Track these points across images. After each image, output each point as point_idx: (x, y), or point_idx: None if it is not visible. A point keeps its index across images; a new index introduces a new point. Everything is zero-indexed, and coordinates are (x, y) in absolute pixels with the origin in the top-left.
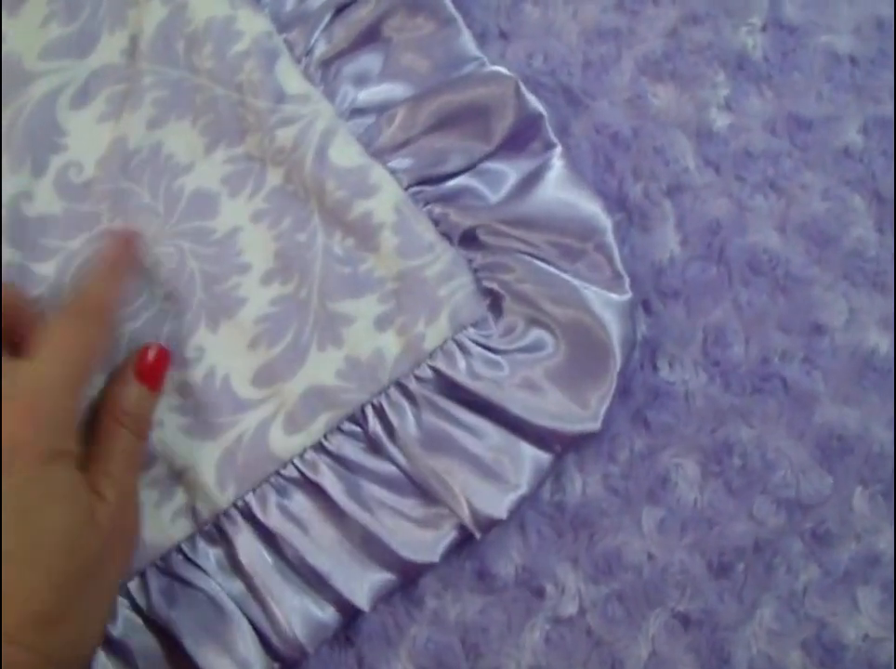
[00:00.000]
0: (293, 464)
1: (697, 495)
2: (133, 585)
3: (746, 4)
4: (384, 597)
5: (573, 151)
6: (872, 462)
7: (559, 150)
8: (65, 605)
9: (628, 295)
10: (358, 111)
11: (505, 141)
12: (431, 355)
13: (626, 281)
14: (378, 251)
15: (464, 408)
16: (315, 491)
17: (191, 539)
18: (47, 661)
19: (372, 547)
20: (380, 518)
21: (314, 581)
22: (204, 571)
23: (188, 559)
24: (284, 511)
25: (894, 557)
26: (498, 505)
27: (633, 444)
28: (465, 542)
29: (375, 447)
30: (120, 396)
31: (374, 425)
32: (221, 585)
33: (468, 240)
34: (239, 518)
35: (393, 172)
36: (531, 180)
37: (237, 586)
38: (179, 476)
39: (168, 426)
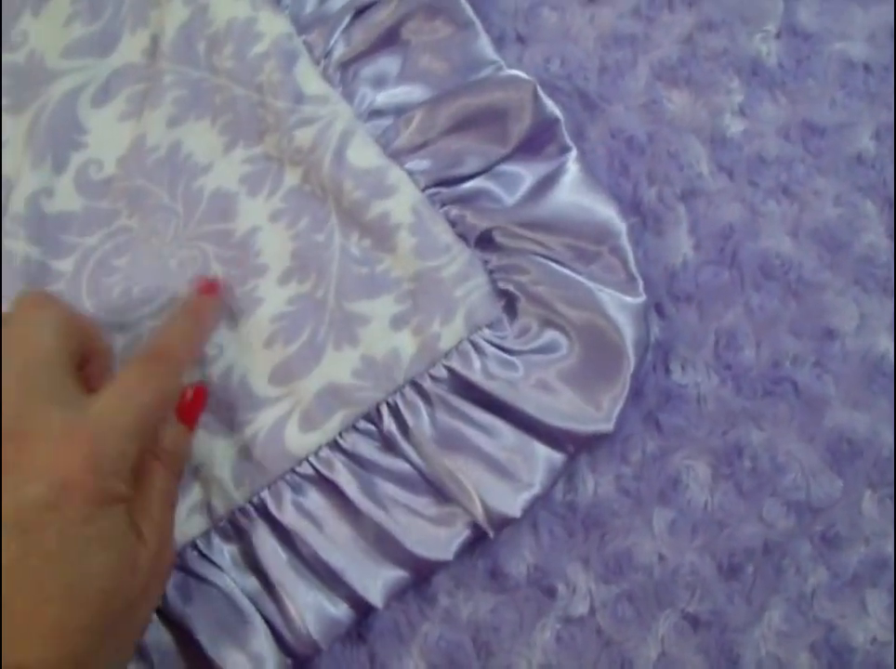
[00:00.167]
0: (308, 461)
1: (708, 497)
2: None
3: (761, 11)
4: (397, 595)
5: (588, 155)
6: (881, 466)
7: (574, 153)
8: (97, 646)
9: (642, 298)
10: (376, 113)
11: (521, 144)
12: (446, 355)
13: (640, 283)
14: (395, 251)
15: (478, 407)
16: (330, 488)
17: (206, 535)
18: None
19: (386, 545)
20: (394, 515)
21: (328, 577)
22: (219, 567)
23: (203, 555)
24: (299, 508)
25: None
26: (512, 503)
27: (645, 446)
28: (478, 541)
29: (389, 445)
30: (160, 436)
31: (388, 423)
32: (236, 581)
33: (484, 241)
34: (254, 515)
35: (410, 173)
36: (546, 183)
37: (251, 583)
38: (195, 472)
39: None
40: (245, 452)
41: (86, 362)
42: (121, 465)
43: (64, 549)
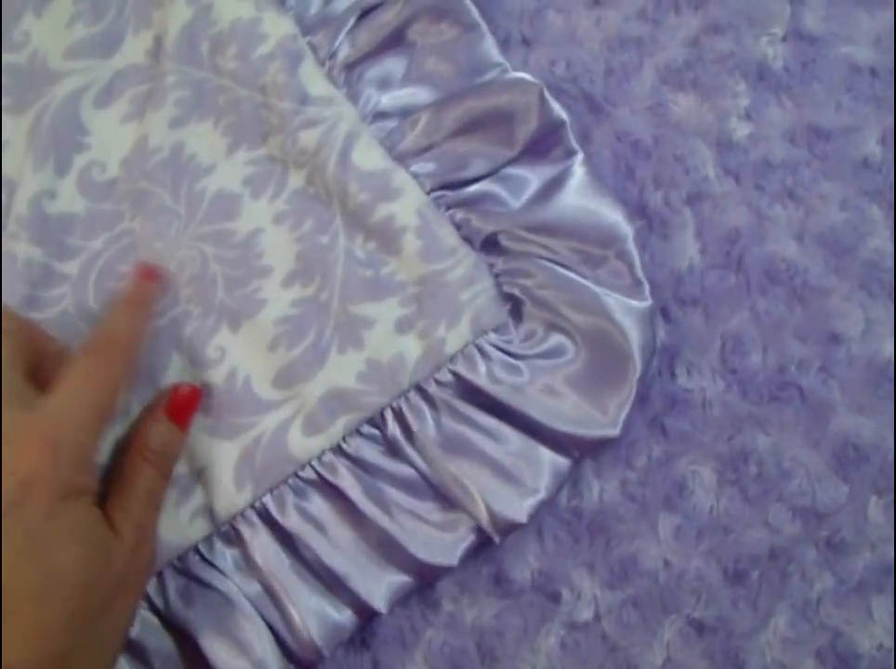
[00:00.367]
0: (311, 466)
1: (713, 502)
2: (150, 586)
3: (768, 14)
4: (401, 600)
5: (594, 159)
6: (887, 471)
7: (580, 157)
8: (79, 643)
9: (648, 302)
10: (381, 115)
11: (527, 147)
12: (452, 359)
13: (647, 288)
14: (400, 254)
15: (483, 412)
16: (333, 493)
17: (208, 539)
18: None
19: (390, 549)
20: (399, 520)
21: (331, 582)
22: (221, 572)
23: (205, 560)
24: (303, 513)
25: None
26: (518, 509)
27: (650, 451)
28: (482, 546)
29: (393, 450)
30: (148, 433)
31: (393, 428)
32: (238, 586)
33: (490, 245)
34: (256, 519)
35: (416, 176)
36: (552, 187)
37: (254, 588)
38: (198, 475)
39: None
40: (248, 456)
41: (40, 364)
42: (80, 456)
43: (33, 546)
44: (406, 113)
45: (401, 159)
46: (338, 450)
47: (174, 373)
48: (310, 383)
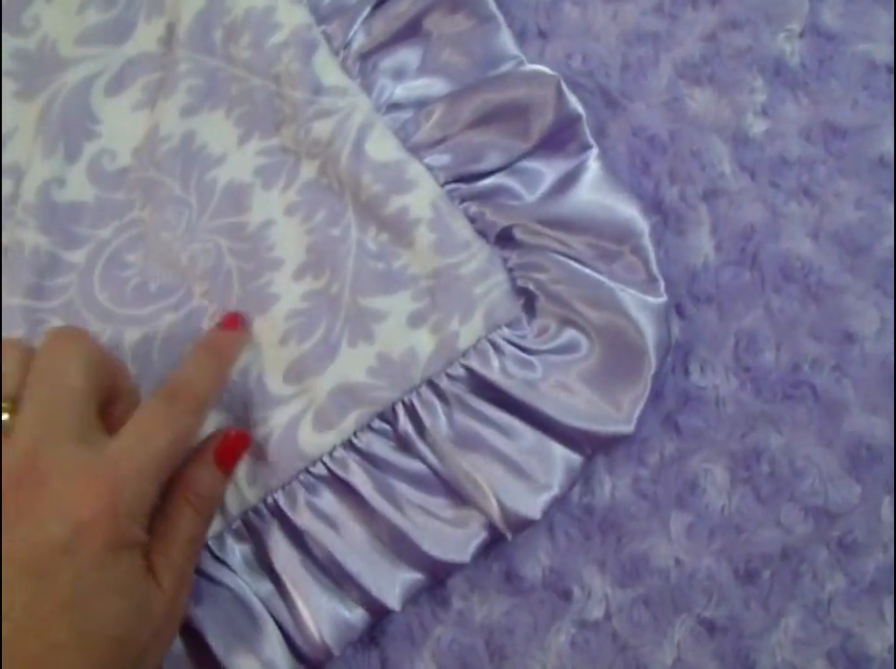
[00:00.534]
0: (322, 461)
1: (725, 501)
2: None
3: (786, 10)
4: (413, 598)
5: (609, 153)
6: None
7: (595, 151)
8: None
9: (664, 299)
10: (395, 106)
11: (543, 140)
12: (464, 354)
13: (662, 284)
14: (413, 247)
15: (495, 408)
16: (344, 489)
17: (218, 536)
18: None
19: (402, 546)
20: (410, 516)
21: (343, 580)
22: (231, 569)
23: (214, 556)
24: (314, 509)
25: None
26: (531, 505)
27: (663, 448)
28: (494, 542)
29: (404, 445)
30: (195, 478)
31: (404, 423)
32: (248, 584)
33: (504, 239)
34: (267, 516)
35: (430, 168)
36: (567, 181)
37: (264, 585)
38: None
39: None
40: (259, 452)
41: (111, 403)
42: (139, 508)
43: (78, 595)
44: (421, 105)
45: (416, 151)
46: (349, 445)
47: None
48: (321, 377)
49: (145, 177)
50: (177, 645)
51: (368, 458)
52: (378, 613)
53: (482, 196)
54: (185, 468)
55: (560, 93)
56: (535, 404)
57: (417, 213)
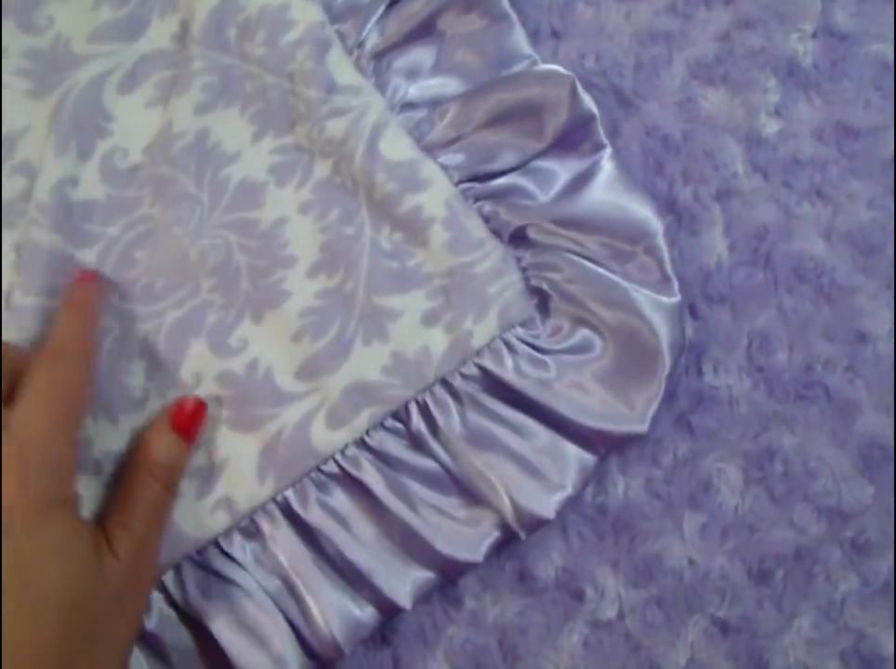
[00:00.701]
0: (334, 459)
1: (739, 501)
2: (168, 579)
3: (798, 10)
4: (425, 597)
5: (622, 153)
6: None
7: (609, 151)
8: (74, 662)
9: (677, 299)
10: (409, 105)
11: (556, 140)
12: (478, 353)
13: (676, 284)
14: (427, 246)
15: (509, 407)
16: (355, 487)
17: (227, 532)
18: None
19: (414, 545)
20: (423, 515)
21: (354, 578)
22: (241, 566)
23: (224, 553)
24: (325, 507)
25: None
26: (545, 504)
27: (676, 448)
28: (507, 542)
29: (417, 444)
30: (152, 446)
31: (417, 422)
32: (258, 581)
33: (518, 238)
34: (277, 513)
35: (443, 167)
36: (581, 181)
37: (273, 582)
38: (219, 468)
39: (209, 417)
40: (270, 449)
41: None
42: (52, 469)
43: (19, 564)
44: (435, 104)
45: (429, 150)
46: (362, 443)
47: (193, 362)
48: (334, 375)
49: (157, 174)
50: (187, 640)
51: (381, 457)
52: (389, 612)
53: (496, 195)
54: (143, 437)
55: (574, 93)
56: (549, 404)
57: (431, 212)
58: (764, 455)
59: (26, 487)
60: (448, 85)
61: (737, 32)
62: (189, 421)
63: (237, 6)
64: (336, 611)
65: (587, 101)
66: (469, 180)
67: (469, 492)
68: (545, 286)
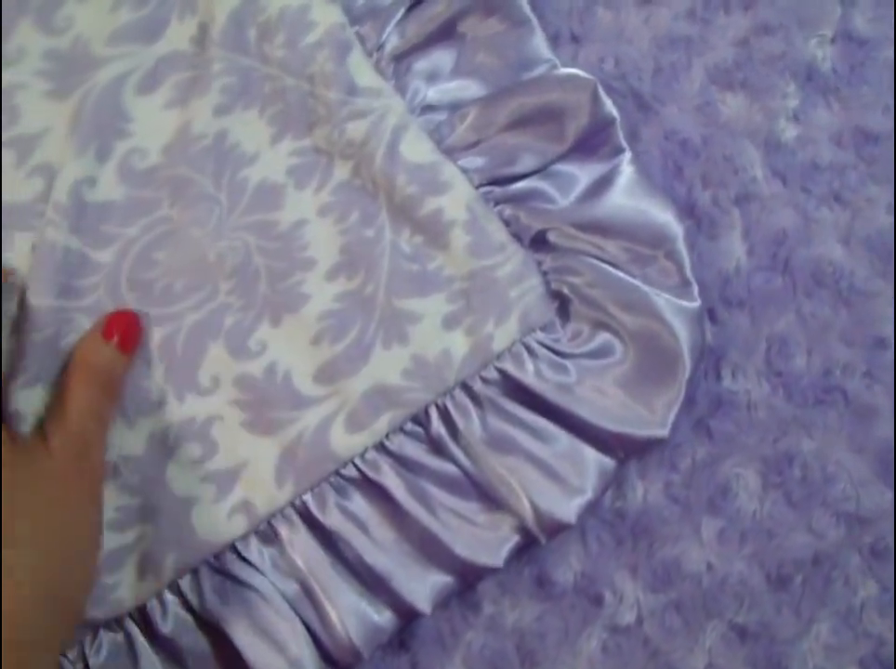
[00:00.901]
0: (353, 463)
1: (757, 506)
2: (185, 583)
3: (818, 15)
4: (444, 601)
5: (642, 157)
6: None
7: (628, 155)
8: (39, 552)
9: (698, 303)
10: (429, 108)
11: (577, 144)
12: (499, 357)
13: (695, 288)
14: (448, 249)
15: (529, 411)
16: (375, 492)
17: (245, 537)
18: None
19: (433, 549)
20: (442, 519)
21: (373, 582)
22: (258, 570)
23: (242, 558)
24: (344, 511)
25: None
26: (566, 509)
27: (695, 453)
28: (527, 547)
29: (437, 448)
30: (83, 348)
31: (437, 425)
32: (275, 585)
33: (538, 242)
34: (296, 518)
35: (464, 170)
36: (601, 185)
37: (291, 587)
38: (237, 472)
39: (228, 421)
40: (289, 453)
41: None
42: None
43: None
44: (455, 107)
45: (450, 153)
46: (381, 447)
47: (211, 365)
48: (354, 379)
49: (175, 175)
50: (204, 645)
51: (400, 460)
52: (407, 616)
53: (517, 199)
54: (77, 343)
55: (595, 96)
56: (569, 408)
57: (452, 215)
58: (783, 460)
59: None
60: (468, 89)
61: (756, 37)
62: (120, 329)
63: (257, 8)
64: (354, 616)
65: (609, 105)
66: (490, 184)
67: (489, 497)
68: (565, 290)
